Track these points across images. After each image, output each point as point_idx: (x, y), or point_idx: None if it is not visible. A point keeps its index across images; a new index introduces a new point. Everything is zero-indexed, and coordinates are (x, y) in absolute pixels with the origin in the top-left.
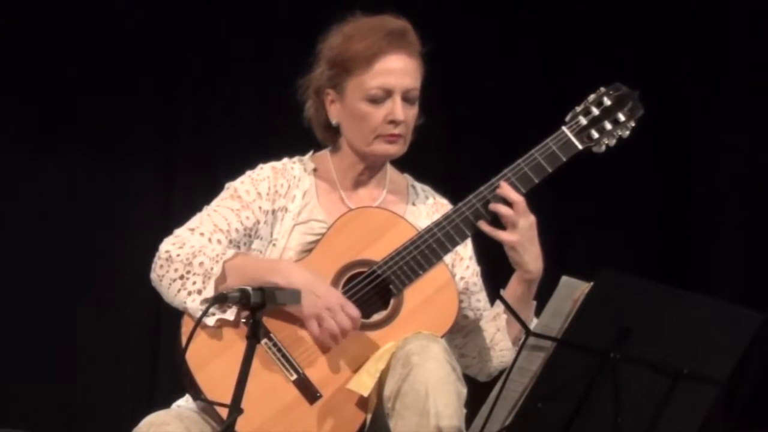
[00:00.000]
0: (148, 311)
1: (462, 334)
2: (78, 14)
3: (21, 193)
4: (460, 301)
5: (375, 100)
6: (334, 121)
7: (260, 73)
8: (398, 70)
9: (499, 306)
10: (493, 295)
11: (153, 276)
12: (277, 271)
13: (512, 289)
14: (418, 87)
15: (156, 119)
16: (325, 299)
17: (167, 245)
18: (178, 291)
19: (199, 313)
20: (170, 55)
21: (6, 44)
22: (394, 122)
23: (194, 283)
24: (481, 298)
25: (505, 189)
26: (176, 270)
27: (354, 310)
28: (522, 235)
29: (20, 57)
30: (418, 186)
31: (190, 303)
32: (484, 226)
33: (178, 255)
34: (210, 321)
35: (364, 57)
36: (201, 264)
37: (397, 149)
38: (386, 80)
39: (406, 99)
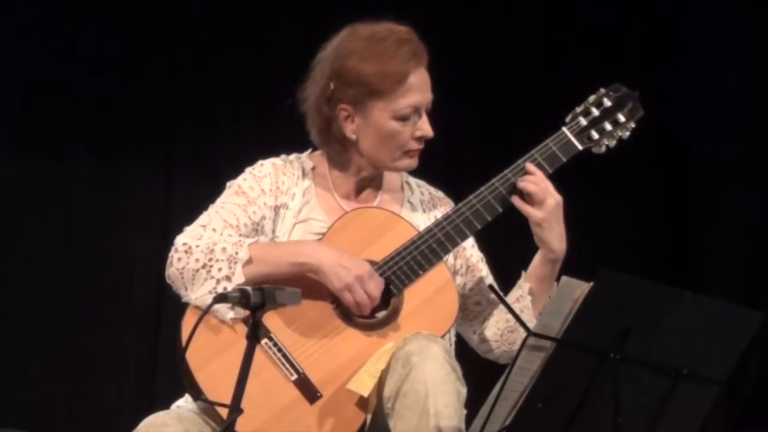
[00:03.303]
0: (149, 311)
1: (479, 320)
2: (78, 14)
3: (21, 193)
4: (470, 289)
5: (405, 118)
6: (352, 137)
7: (260, 72)
8: (422, 85)
9: (521, 288)
10: (504, 283)
11: (171, 271)
12: (303, 252)
13: (535, 269)
14: None
15: (156, 119)
16: (354, 270)
17: (184, 238)
18: (204, 280)
19: (218, 309)
20: (170, 54)
21: (6, 44)
22: (422, 138)
23: (220, 269)
24: (488, 281)
25: (531, 167)
26: (197, 260)
27: (379, 280)
28: (549, 213)
29: (20, 57)
30: (413, 181)
31: (220, 290)
32: (516, 200)
33: (198, 246)
34: (227, 318)
35: (392, 80)
36: (223, 250)
37: (416, 162)
38: (415, 99)
39: (426, 111)
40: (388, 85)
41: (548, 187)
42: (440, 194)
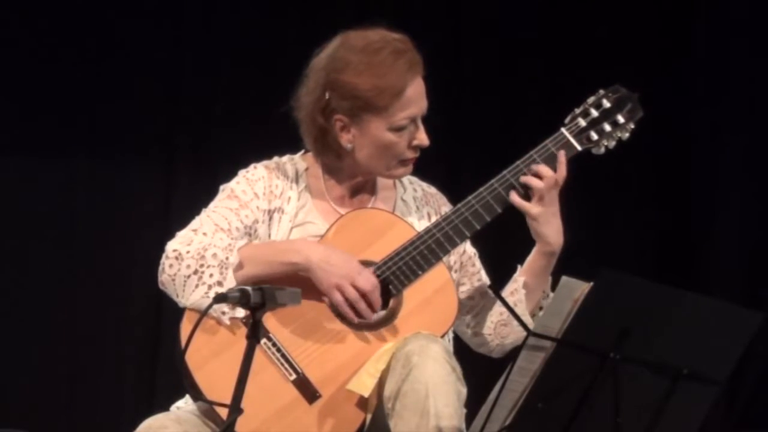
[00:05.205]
0: (148, 311)
1: (472, 314)
2: (78, 14)
3: (21, 193)
4: (463, 285)
5: (401, 129)
6: (348, 146)
7: (260, 73)
8: (419, 96)
9: (515, 281)
10: (499, 280)
11: (164, 278)
12: (293, 251)
13: (531, 263)
14: None
15: (156, 119)
16: (342, 268)
17: (174, 244)
18: (196, 286)
19: (216, 310)
20: (170, 55)
21: (5, 44)
22: (418, 147)
23: (211, 275)
24: (481, 277)
25: (538, 166)
26: (188, 266)
27: (371, 277)
28: (546, 207)
29: (20, 57)
30: (405, 178)
31: (212, 295)
32: (513, 197)
33: (188, 251)
34: (225, 319)
35: (389, 94)
36: (214, 255)
37: (411, 170)
38: (412, 110)
39: (422, 119)
40: (385, 99)
41: (553, 183)
42: (432, 190)
